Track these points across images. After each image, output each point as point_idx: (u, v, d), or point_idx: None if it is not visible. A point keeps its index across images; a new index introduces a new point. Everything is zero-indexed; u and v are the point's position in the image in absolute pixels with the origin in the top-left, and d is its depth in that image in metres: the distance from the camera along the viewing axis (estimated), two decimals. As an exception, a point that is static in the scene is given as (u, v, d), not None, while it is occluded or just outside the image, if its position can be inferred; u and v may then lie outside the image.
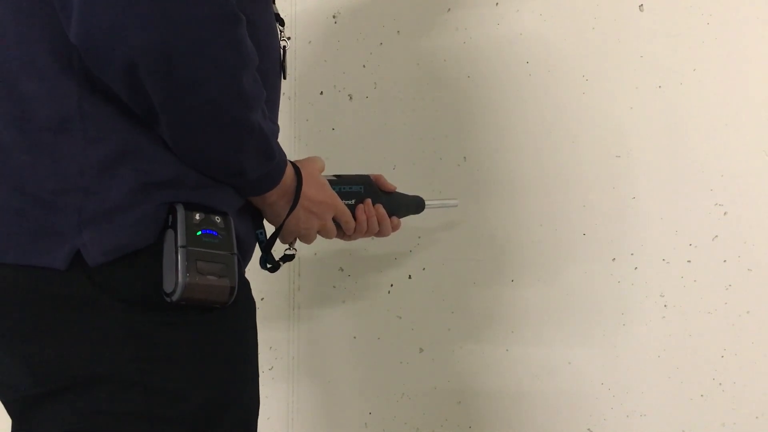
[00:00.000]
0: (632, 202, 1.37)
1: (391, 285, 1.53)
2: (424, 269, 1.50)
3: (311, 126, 1.58)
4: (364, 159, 1.54)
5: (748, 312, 1.31)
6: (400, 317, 1.52)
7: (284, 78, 1.04)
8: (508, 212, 1.44)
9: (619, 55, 1.37)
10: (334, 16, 1.55)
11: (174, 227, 0.80)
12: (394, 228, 1.22)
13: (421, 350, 1.51)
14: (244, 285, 0.91)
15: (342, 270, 1.56)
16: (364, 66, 1.53)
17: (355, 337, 1.55)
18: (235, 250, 0.84)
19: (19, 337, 0.81)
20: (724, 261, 1.32)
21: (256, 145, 0.85)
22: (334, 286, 1.56)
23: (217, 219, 0.83)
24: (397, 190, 1.25)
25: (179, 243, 0.79)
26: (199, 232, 0.81)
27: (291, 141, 1.59)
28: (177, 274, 0.79)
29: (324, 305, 1.57)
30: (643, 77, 1.36)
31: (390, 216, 1.20)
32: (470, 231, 1.47)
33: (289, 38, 1.07)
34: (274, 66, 1.00)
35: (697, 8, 1.33)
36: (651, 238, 1.36)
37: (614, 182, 1.38)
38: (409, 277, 1.51)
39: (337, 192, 1.10)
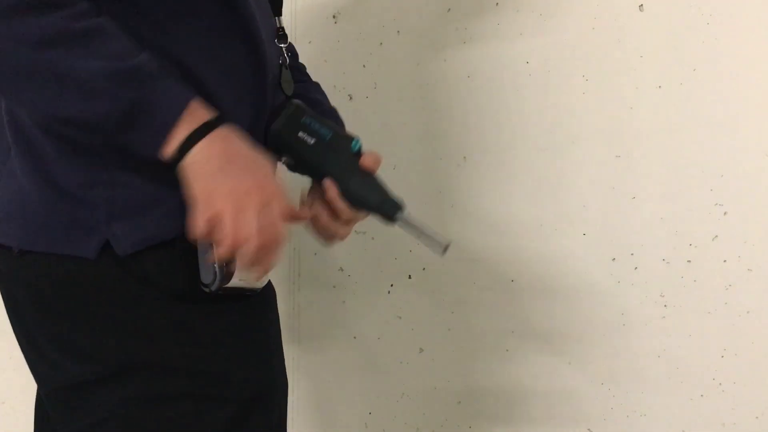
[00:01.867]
0: (632, 202, 1.37)
1: (391, 285, 1.53)
2: (424, 269, 1.50)
3: (311, 126, 1.58)
4: (364, 159, 1.54)
5: (748, 312, 1.31)
6: (400, 317, 1.52)
7: (286, 95, 1.00)
8: (507, 212, 1.44)
9: (619, 55, 1.37)
10: (334, 16, 1.55)
11: None
12: (343, 236, 0.96)
13: (421, 350, 1.51)
14: None
15: (342, 270, 1.56)
16: (364, 66, 1.53)
17: (355, 337, 1.55)
18: None
19: (60, 324, 0.85)
20: (724, 261, 1.32)
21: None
22: (334, 286, 1.56)
23: None
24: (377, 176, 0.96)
25: None
26: None
27: (291, 141, 1.59)
28: (215, 267, 0.81)
29: (324, 305, 1.57)
30: (643, 77, 1.36)
31: (353, 206, 0.93)
32: (470, 231, 1.47)
33: (289, 54, 1.02)
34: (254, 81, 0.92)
35: (697, 8, 1.33)
36: (651, 238, 1.36)
37: (614, 182, 1.38)
38: (409, 277, 1.51)
39: (302, 127, 0.92)
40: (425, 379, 1.50)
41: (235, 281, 0.83)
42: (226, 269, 0.82)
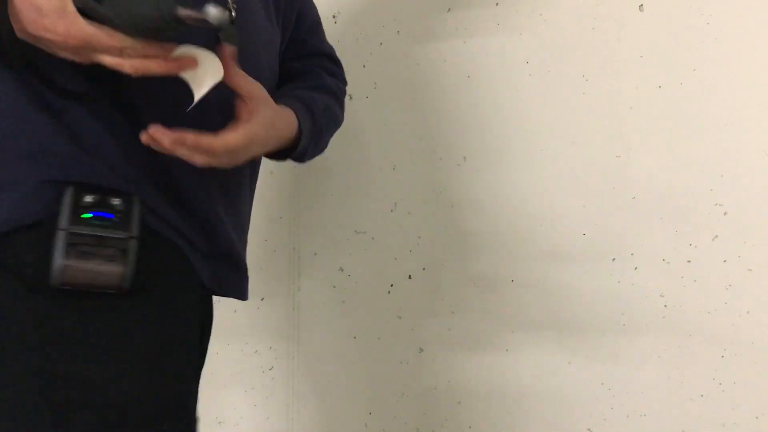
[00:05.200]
0: (632, 202, 1.37)
1: (391, 285, 1.53)
2: (424, 269, 1.50)
3: (311, 126, 1.58)
4: (364, 159, 1.54)
5: (748, 312, 1.31)
6: (400, 317, 1.52)
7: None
8: (508, 212, 1.44)
9: (619, 55, 1.37)
10: (334, 16, 1.55)
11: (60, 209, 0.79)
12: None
13: (421, 350, 1.51)
14: (167, 271, 0.86)
15: (342, 270, 1.56)
16: (364, 66, 1.53)
17: (355, 337, 1.55)
18: (135, 233, 0.81)
19: None
20: (724, 261, 1.32)
21: None
22: (334, 286, 1.56)
23: (116, 201, 0.81)
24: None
25: (59, 225, 0.78)
26: (87, 215, 0.79)
27: (291, 141, 1.59)
28: (54, 258, 0.77)
29: (324, 305, 1.57)
30: (643, 77, 1.36)
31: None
32: (470, 231, 1.47)
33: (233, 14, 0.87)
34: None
35: (697, 8, 1.33)
36: (651, 238, 1.36)
37: (614, 182, 1.38)
38: (409, 277, 1.51)
39: None
40: (425, 379, 1.50)
41: (73, 271, 0.77)
42: (65, 260, 0.76)
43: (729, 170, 1.32)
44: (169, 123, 0.81)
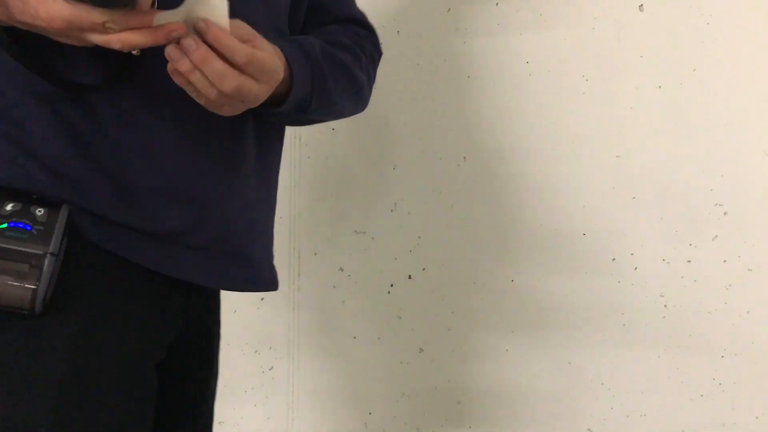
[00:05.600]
0: (632, 202, 1.37)
1: (391, 285, 1.53)
2: (424, 269, 1.50)
3: (311, 126, 1.58)
4: (364, 159, 1.54)
5: (748, 312, 1.31)
6: (400, 317, 1.52)
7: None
8: (508, 212, 1.44)
9: (619, 55, 1.37)
10: (334, 16, 1.55)
11: None
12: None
13: (421, 350, 1.51)
14: (101, 287, 0.79)
15: (342, 270, 1.56)
16: (364, 66, 1.53)
17: (355, 337, 1.55)
18: (54, 250, 0.72)
19: None
20: (724, 261, 1.32)
21: None
22: (334, 286, 1.56)
23: (39, 212, 0.73)
24: None
25: None
26: (4, 225, 0.71)
27: (292, 141, 1.59)
28: None
29: (324, 305, 1.57)
30: (643, 77, 1.36)
31: None
32: (470, 231, 1.47)
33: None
34: None
35: (697, 8, 1.33)
36: (651, 238, 1.36)
37: (614, 182, 1.38)
38: (409, 277, 1.51)
39: None
40: (425, 379, 1.50)
41: None
42: None
43: (729, 170, 1.32)
44: (141, 124, 0.79)
